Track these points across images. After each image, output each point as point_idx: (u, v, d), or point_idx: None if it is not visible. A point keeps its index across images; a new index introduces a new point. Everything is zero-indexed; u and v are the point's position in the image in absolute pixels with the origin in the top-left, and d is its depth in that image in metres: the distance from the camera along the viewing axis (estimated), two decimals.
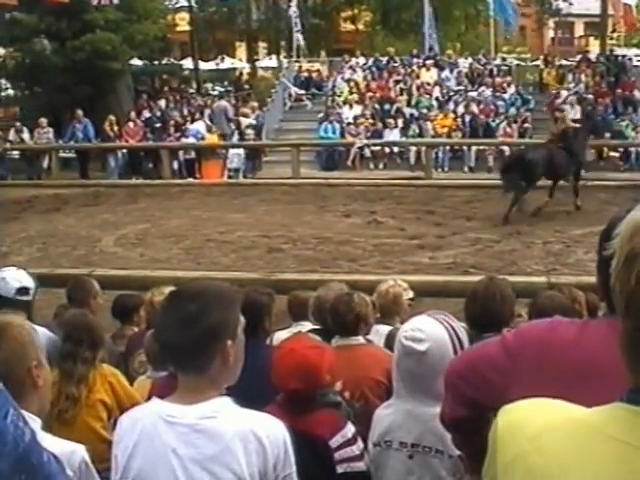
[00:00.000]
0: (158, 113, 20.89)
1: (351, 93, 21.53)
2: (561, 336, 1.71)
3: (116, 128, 19.55)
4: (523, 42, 37.86)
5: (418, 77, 21.92)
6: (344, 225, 12.35)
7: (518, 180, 12.09)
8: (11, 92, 26.13)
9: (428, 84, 21.36)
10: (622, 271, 1.05)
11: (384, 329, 4.32)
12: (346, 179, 16.76)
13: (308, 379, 2.80)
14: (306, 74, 23.64)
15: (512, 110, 20.07)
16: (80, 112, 19.33)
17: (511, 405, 1.18)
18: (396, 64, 22.97)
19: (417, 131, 19.63)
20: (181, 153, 18.84)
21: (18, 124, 19.94)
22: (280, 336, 4.24)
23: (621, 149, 18.40)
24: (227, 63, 33.90)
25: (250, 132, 19.10)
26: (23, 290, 4.08)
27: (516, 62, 25.22)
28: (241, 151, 18.60)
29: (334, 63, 24.80)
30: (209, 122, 20.03)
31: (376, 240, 11.07)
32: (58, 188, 16.34)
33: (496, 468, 1.14)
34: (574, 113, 19.07)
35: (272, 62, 33.59)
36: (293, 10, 25.19)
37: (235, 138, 19.51)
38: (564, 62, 24.20)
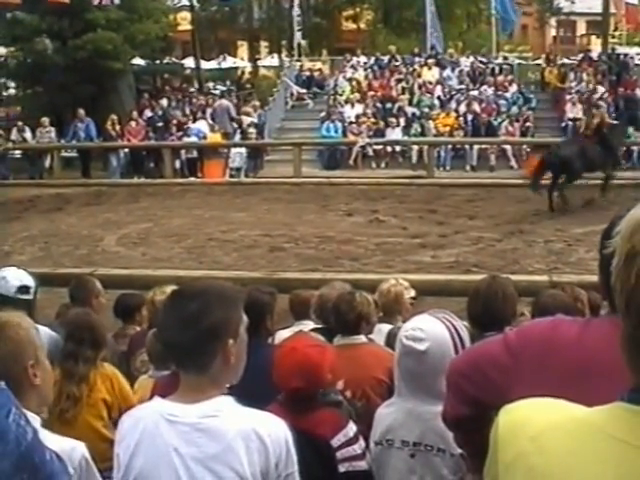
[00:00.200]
0: (160, 112, 20.89)
1: (353, 92, 21.52)
2: (563, 335, 1.71)
3: (118, 127, 19.56)
4: (525, 41, 37.85)
5: (420, 76, 21.90)
6: (346, 224, 12.34)
7: (555, 177, 12.56)
8: (13, 91, 26.16)
9: (430, 83, 21.35)
10: (622, 269, 1.04)
11: (386, 328, 4.32)
12: (348, 178, 16.75)
13: (309, 378, 2.80)
14: (308, 73, 23.63)
15: (514, 109, 20.06)
16: (82, 111, 19.34)
17: (512, 405, 1.18)
18: (398, 63, 22.97)
19: (419, 130, 19.63)
20: (183, 152, 18.84)
21: (20, 123, 19.96)
22: (282, 335, 4.25)
23: (623, 148, 18.36)
24: (229, 62, 33.88)
25: (252, 131, 19.10)
26: (24, 289, 4.09)
27: (518, 61, 25.18)
28: (243, 150, 18.60)
29: (336, 62, 24.79)
30: (211, 121, 20.04)
31: (378, 239, 11.06)
32: (60, 187, 16.34)
33: (497, 468, 1.14)
34: (576, 111, 19.11)
35: (274, 61, 33.58)
36: (296, 10, 25.22)
37: (237, 137, 19.51)
38: (566, 61, 24.19)
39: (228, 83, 29.81)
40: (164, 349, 2.22)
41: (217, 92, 25.96)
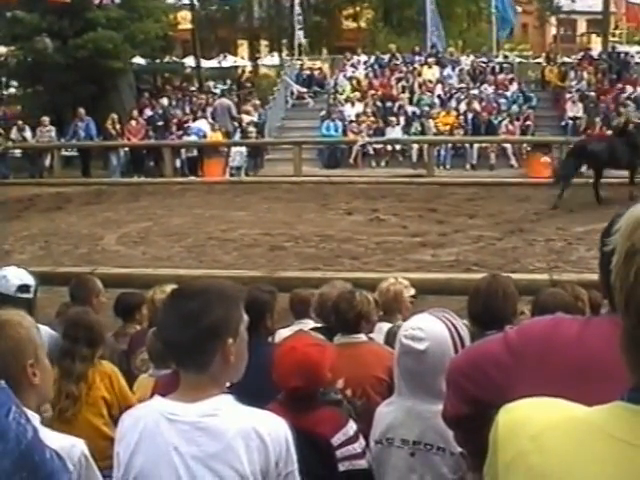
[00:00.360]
0: (160, 111, 20.87)
1: (353, 91, 21.51)
2: (563, 333, 1.70)
3: (118, 126, 19.57)
4: (525, 39, 37.82)
5: (420, 75, 21.88)
6: (346, 223, 12.35)
7: (574, 168, 13.05)
8: (13, 90, 26.15)
9: (430, 82, 21.32)
10: (622, 267, 1.04)
11: (386, 327, 4.32)
12: (348, 177, 16.76)
13: (309, 377, 2.80)
14: (308, 72, 23.59)
15: (514, 108, 20.03)
16: (82, 110, 19.34)
17: (512, 404, 1.18)
18: (398, 62, 22.94)
19: (419, 129, 19.61)
20: (183, 151, 18.84)
21: (20, 122, 19.96)
22: (282, 334, 4.25)
23: None
24: (229, 61, 33.85)
25: (252, 130, 19.10)
26: (24, 288, 4.09)
27: (518, 59, 25.20)
28: (243, 149, 18.60)
29: (336, 61, 24.77)
30: (211, 120, 20.03)
31: (378, 238, 11.07)
32: (60, 186, 16.36)
33: (497, 467, 1.13)
34: (576, 110, 19.10)
35: (274, 60, 33.55)
36: (297, 9, 25.20)
37: (237, 136, 19.51)
38: (566, 59, 24.15)
39: (228, 82, 29.80)
40: (164, 348, 2.22)
41: (217, 91, 25.95)
